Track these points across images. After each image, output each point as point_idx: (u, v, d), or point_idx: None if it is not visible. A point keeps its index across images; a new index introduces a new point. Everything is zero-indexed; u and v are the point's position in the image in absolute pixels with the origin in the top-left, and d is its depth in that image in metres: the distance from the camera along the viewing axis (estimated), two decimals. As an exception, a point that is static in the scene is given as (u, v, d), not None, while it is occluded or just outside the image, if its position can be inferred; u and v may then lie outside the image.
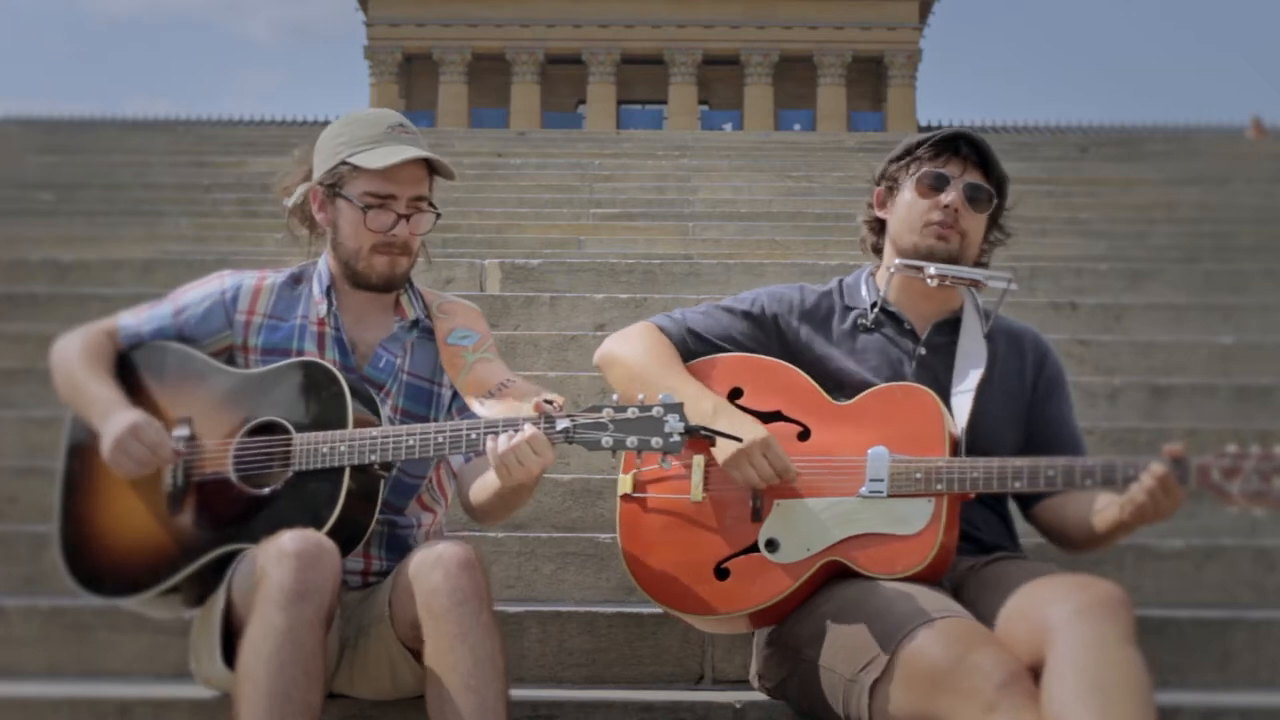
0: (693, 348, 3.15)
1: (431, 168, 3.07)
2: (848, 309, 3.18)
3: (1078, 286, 7.07)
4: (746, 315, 3.18)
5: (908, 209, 3.14)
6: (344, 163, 3.02)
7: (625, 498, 3.08)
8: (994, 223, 3.20)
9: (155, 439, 2.91)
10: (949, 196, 3.10)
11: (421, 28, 41.17)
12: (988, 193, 3.13)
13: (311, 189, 3.09)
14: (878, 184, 3.22)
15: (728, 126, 36.12)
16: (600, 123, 37.86)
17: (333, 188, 3.05)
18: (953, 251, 3.10)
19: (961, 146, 3.14)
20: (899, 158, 3.18)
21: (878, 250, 3.24)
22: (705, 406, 2.98)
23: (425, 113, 38.20)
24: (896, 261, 3.13)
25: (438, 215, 3.09)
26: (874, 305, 3.16)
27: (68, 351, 3.08)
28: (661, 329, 3.17)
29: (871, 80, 42.04)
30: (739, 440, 2.92)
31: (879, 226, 3.23)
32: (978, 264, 3.18)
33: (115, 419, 2.93)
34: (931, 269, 3.08)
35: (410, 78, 41.96)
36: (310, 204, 3.10)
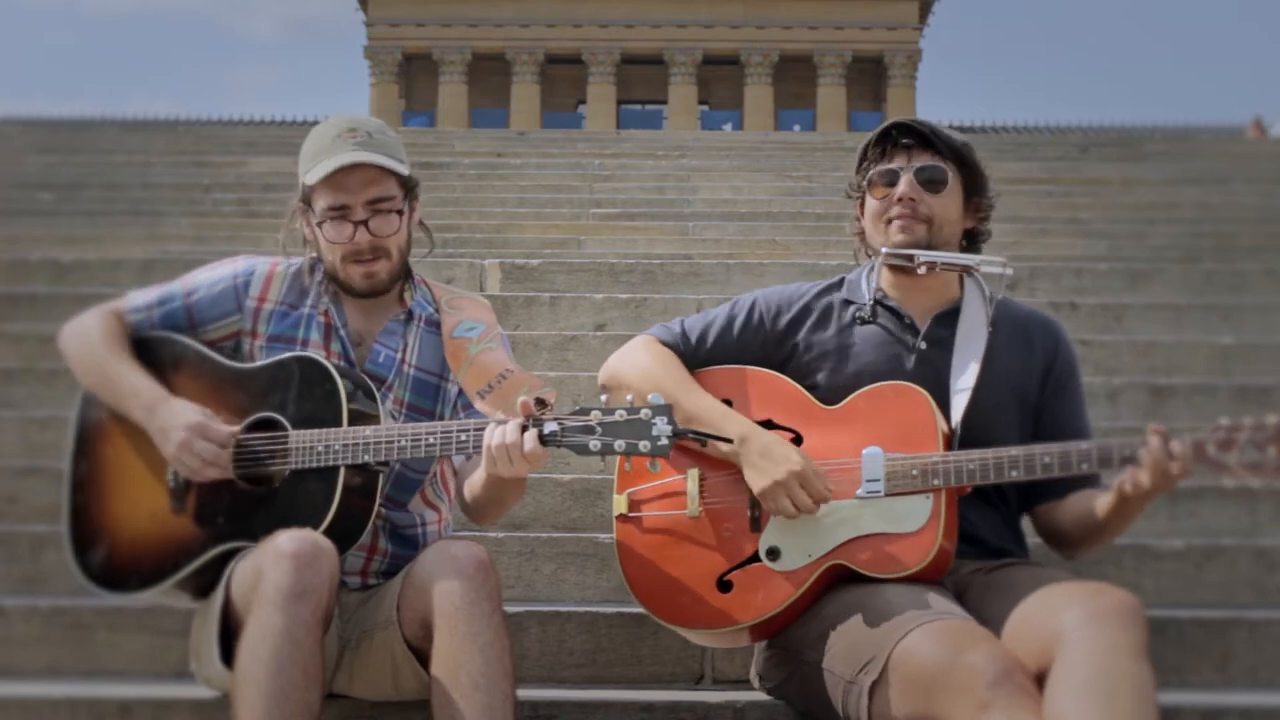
0: (693, 357, 3.14)
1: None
2: (848, 303, 3.17)
3: (1078, 286, 7.06)
4: (743, 319, 3.16)
5: (870, 213, 3.15)
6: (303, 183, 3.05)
7: (621, 518, 3.05)
8: (970, 196, 3.15)
9: (222, 435, 2.91)
10: (900, 188, 3.09)
11: (421, 28, 41.11)
12: (940, 170, 3.10)
13: (297, 207, 3.11)
14: (850, 197, 3.22)
15: (728, 126, 36.06)
16: (600, 123, 37.81)
17: (306, 204, 3.08)
18: (923, 240, 3.08)
19: (900, 137, 3.12)
20: (857, 167, 3.17)
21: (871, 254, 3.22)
22: (733, 430, 2.95)
23: (425, 113, 38.18)
24: (885, 251, 3.10)
25: (400, 213, 3.04)
26: (872, 299, 3.14)
27: (87, 336, 3.05)
28: (662, 342, 3.15)
29: (871, 80, 42.00)
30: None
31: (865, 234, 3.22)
32: (971, 249, 3.16)
33: (168, 414, 2.92)
34: (921, 255, 3.06)
35: (410, 78, 41.92)
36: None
